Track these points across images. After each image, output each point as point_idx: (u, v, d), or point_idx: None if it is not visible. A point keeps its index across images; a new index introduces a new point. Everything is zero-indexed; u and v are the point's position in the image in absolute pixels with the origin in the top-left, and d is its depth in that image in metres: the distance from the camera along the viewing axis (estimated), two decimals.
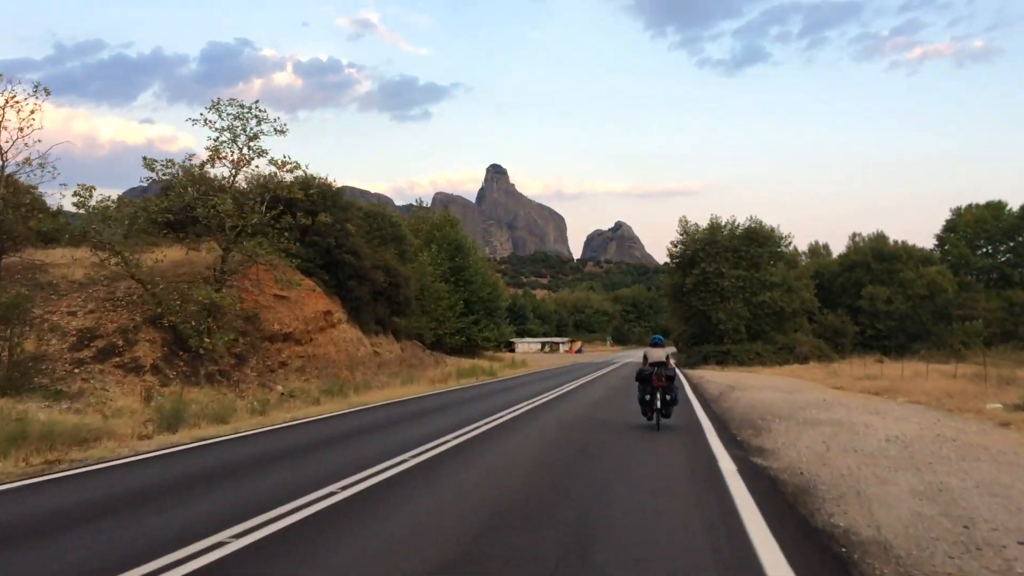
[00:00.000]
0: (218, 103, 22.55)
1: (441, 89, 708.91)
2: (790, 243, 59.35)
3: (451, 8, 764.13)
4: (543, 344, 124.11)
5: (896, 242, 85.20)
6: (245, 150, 23.21)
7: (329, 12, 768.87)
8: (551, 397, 25.57)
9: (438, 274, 58.93)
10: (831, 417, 18.29)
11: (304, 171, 28.14)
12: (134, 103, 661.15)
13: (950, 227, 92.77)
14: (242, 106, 22.72)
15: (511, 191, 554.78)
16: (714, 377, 42.03)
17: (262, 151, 23.85)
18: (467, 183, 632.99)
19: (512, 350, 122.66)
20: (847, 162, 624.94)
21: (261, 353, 25.01)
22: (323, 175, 34.87)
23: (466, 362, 51.60)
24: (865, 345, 68.99)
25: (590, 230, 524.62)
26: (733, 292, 56.39)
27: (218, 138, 22.69)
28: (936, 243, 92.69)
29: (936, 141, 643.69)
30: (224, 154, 22.78)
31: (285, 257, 25.36)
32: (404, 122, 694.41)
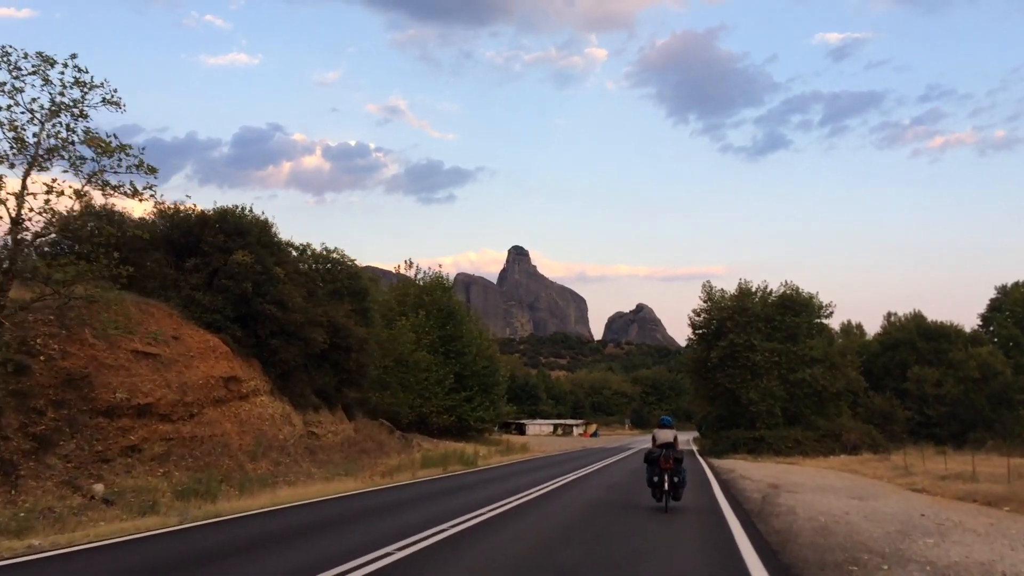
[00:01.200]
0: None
1: (466, 173, 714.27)
2: (831, 312, 50.75)
3: (477, 96, 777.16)
4: (555, 426, 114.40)
5: (937, 322, 75.98)
6: (60, 130, 15.35)
7: (358, 100, 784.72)
8: (521, 501, 16.95)
9: (426, 343, 50.68)
10: (968, 556, 9.77)
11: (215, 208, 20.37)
12: (167, 184, 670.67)
13: (995, 306, 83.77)
14: (44, 58, 14.93)
15: (533, 272, 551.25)
16: (749, 471, 33.03)
17: (101, 142, 16.05)
18: (490, 265, 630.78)
19: (522, 432, 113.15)
20: (873, 246, 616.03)
21: (86, 433, 16.69)
22: (244, 207, 27.13)
23: (448, 446, 42.76)
24: (913, 433, 59.46)
25: (611, 312, 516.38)
26: (766, 368, 47.55)
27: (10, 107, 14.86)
28: (980, 323, 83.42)
29: (965, 225, 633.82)
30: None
31: (139, 294, 17.30)
32: (429, 204, 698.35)
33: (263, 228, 27.16)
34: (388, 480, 23.74)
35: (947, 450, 51.37)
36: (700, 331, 51.39)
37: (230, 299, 24.44)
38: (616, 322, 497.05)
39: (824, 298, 50.78)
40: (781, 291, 50.15)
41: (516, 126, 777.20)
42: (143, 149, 15.79)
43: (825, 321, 50.72)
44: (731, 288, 50.91)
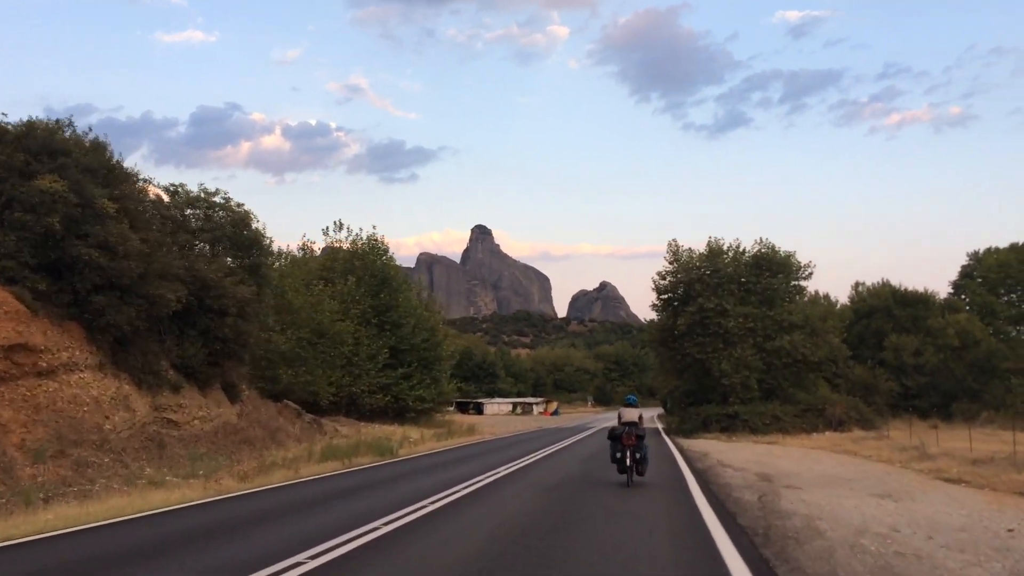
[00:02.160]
0: None
1: (428, 152, 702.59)
2: (810, 273, 44.89)
3: (440, 74, 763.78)
4: (515, 405, 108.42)
5: (912, 289, 70.77)
6: None
7: (319, 78, 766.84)
8: (415, 516, 10.42)
9: (355, 314, 43.93)
10: None
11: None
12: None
13: (967, 273, 79.10)
14: None
15: (496, 251, 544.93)
16: (726, 455, 27.01)
17: None
18: (453, 244, 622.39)
19: (480, 412, 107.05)
20: (834, 221, 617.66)
21: None
22: (65, 122, 20.19)
23: (373, 431, 36.25)
24: (893, 406, 54.28)
25: (575, 291, 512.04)
26: (740, 336, 41.60)
27: None
28: (952, 291, 78.66)
29: (924, 199, 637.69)
30: None
31: None
32: (391, 184, 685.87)
33: (95, 151, 20.22)
34: (248, 484, 17.15)
35: (938, 424, 46.13)
36: (665, 296, 45.25)
37: (29, 240, 17.58)
38: (580, 300, 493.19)
39: (801, 258, 44.79)
40: (756, 250, 44.16)
41: (479, 105, 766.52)
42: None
43: (803, 283, 44.95)
44: (700, 247, 44.89)
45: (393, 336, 45.79)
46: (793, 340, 41.34)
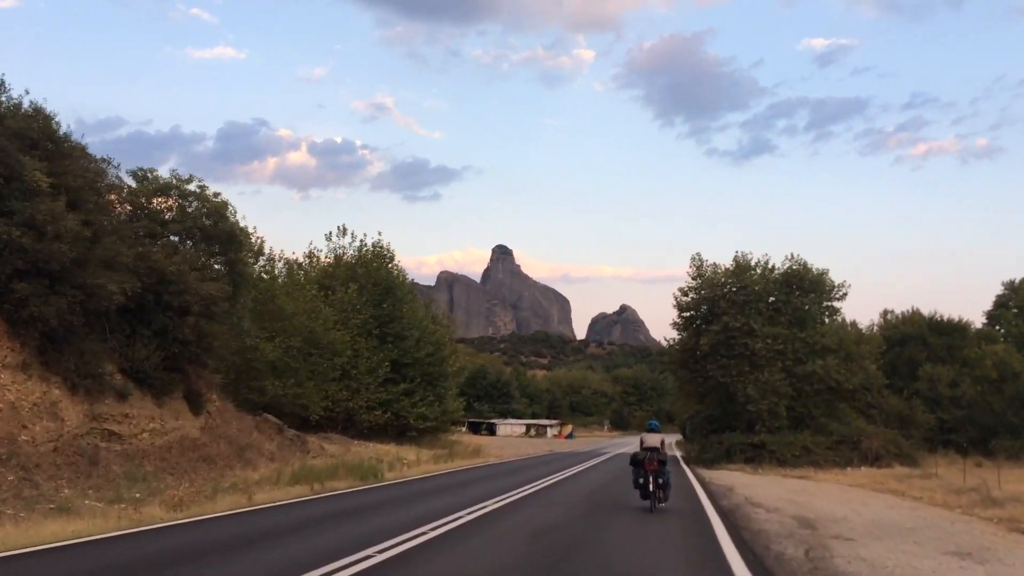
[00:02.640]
0: None
1: (452, 171, 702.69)
2: (844, 293, 41.41)
3: (465, 94, 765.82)
4: (528, 427, 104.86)
5: (946, 317, 66.64)
6: None
7: (345, 96, 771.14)
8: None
9: (356, 324, 41.01)
10: None
11: None
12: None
13: (1002, 302, 74.98)
14: None
15: (516, 272, 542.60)
16: (755, 491, 23.63)
17: None
18: (474, 264, 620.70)
19: (492, 432, 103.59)
20: (858, 250, 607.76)
21: None
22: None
23: (366, 450, 33.22)
24: (927, 440, 50.39)
25: (595, 313, 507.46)
26: (768, 358, 38.16)
27: None
28: (986, 321, 74.37)
29: (949, 229, 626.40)
30: None
31: None
32: (414, 203, 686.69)
33: (32, 119, 17.44)
34: (179, 514, 14.09)
35: (982, 461, 42.29)
36: (687, 314, 41.91)
37: None
38: (599, 323, 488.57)
39: (835, 277, 41.20)
40: (786, 267, 40.77)
41: (503, 125, 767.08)
42: None
43: (837, 304, 41.39)
44: (726, 263, 41.55)
45: (395, 349, 42.79)
46: (826, 365, 37.83)
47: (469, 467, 33.39)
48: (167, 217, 23.24)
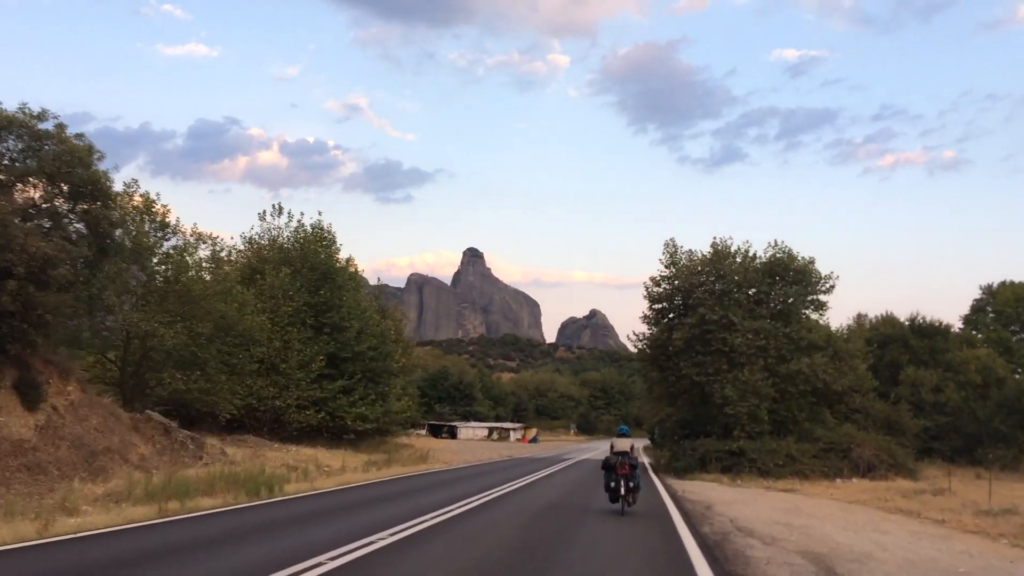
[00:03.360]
0: None
1: (425, 174, 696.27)
2: (832, 286, 37.19)
3: (439, 97, 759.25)
4: (491, 430, 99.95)
5: (924, 320, 62.83)
6: None
7: (318, 96, 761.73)
8: None
9: (287, 312, 36.03)
10: None
11: None
12: (117, 175, 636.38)
13: (979, 307, 71.82)
14: None
15: (487, 275, 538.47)
16: (739, 510, 19.09)
17: None
18: (446, 267, 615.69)
19: (454, 435, 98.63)
20: (828, 259, 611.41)
21: None
22: None
23: (280, 454, 28.30)
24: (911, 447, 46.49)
25: (565, 317, 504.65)
26: (749, 355, 33.77)
27: None
28: (962, 325, 70.98)
29: (918, 240, 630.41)
30: None
31: None
32: (387, 204, 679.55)
33: None
34: None
35: (982, 472, 38.24)
36: (659, 306, 37.42)
37: None
38: (569, 327, 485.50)
39: (821, 268, 36.85)
40: (769, 255, 36.45)
41: (477, 129, 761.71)
42: None
43: (823, 298, 37.11)
44: (703, 248, 37.06)
45: (332, 341, 37.79)
46: (813, 363, 33.51)
47: (406, 476, 28.57)
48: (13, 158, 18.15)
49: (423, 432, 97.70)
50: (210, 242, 30.57)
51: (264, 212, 40.12)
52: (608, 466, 17.17)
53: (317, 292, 38.11)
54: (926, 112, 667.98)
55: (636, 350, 37.90)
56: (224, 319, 28.41)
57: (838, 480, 31.18)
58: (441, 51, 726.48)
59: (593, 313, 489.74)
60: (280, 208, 40.17)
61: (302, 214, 40.13)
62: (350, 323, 38.28)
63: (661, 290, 37.25)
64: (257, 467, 22.03)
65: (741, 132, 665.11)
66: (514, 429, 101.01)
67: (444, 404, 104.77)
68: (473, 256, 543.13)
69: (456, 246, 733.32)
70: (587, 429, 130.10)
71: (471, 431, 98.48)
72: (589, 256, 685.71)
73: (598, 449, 70.20)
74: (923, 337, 59.71)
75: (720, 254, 36.07)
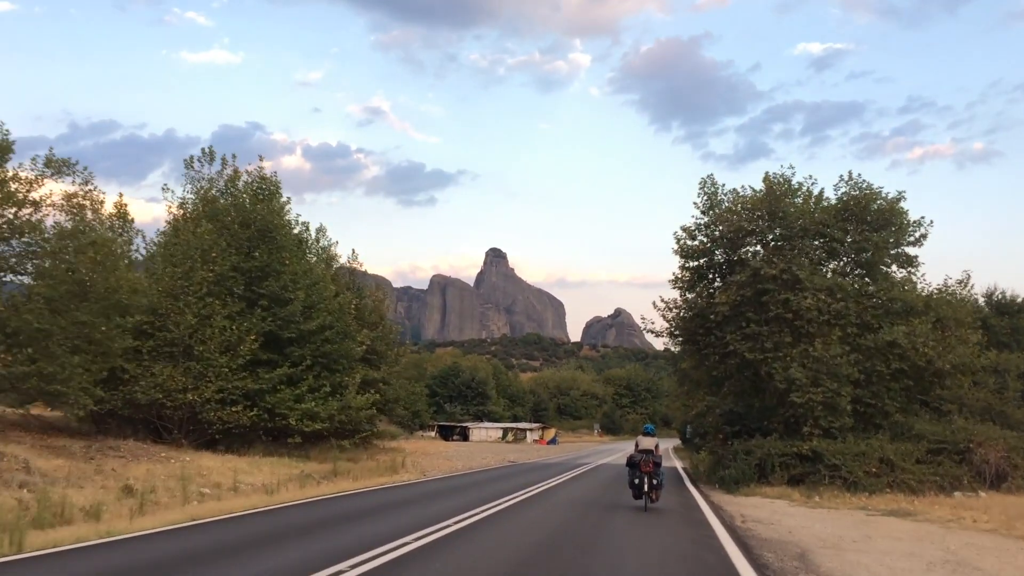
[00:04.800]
0: None
1: (448, 176, 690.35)
2: (923, 235, 27.52)
3: (461, 98, 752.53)
4: (505, 431, 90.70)
5: (1004, 295, 52.54)
6: None
7: (340, 100, 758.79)
8: None
9: (209, 279, 27.24)
10: None
11: None
12: (143, 182, 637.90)
13: None
14: None
15: (510, 275, 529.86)
16: (872, 566, 9.86)
17: None
18: (469, 268, 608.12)
19: (465, 437, 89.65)
20: None
21: None
22: None
23: (173, 464, 19.42)
24: None
25: (590, 317, 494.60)
26: (821, 324, 24.36)
27: None
28: None
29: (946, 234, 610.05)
30: None
31: None
32: (410, 207, 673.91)
33: None
34: None
35: None
36: (695, 263, 27.95)
37: None
38: (594, 327, 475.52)
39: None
40: (842, 191, 26.87)
41: (499, 130, 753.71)
42: None
43: (912, 251, 27.45)
44: (751, 184, 27.48)
45: (270, 318, 28.85)
46: (913, 332, 23.95)
47: (343, 495, 19.54)
48: None
49: (432, 434, 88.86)
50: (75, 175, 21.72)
51: (192, 158, 31.29)
52: (632, 463, 17.49)
53: (250, 254, 29.21)
54: (954, 103, 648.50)
55: (665, 323, 28.40)
56: (75, 274, 19.52)
57: (957, 494, 21.65)
58: (462, 52, 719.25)
59: (618, 312, 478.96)
60: (211, 153, 31.28)
61: (234, 156, 31.12)
62: (294, 293, 29.28)
63: (697, 243, 27.77)
64: (74, 487, 13.10)
65: (766, 128, 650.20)
66: (531, 430, 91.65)
67: (455, 403, 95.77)
68: (496, 257, 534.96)
69: (479, 247, 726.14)
70: (612, 429, 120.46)
71: (484, 432, 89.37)
72: (613, 255, 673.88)
73: (621, 451, 60.72)
74: (1002, 315, 49.57)
75: (776, 193, 26.51)
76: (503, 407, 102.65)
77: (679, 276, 28.31)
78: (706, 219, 27.70)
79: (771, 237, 26.29)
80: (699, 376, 30.64)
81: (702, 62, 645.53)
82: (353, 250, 43.13)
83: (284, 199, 32.26)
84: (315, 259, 36.13)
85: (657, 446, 17.61)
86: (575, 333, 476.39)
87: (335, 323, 30.88)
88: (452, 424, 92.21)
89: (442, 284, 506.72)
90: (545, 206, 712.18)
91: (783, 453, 23.44)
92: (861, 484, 21.88)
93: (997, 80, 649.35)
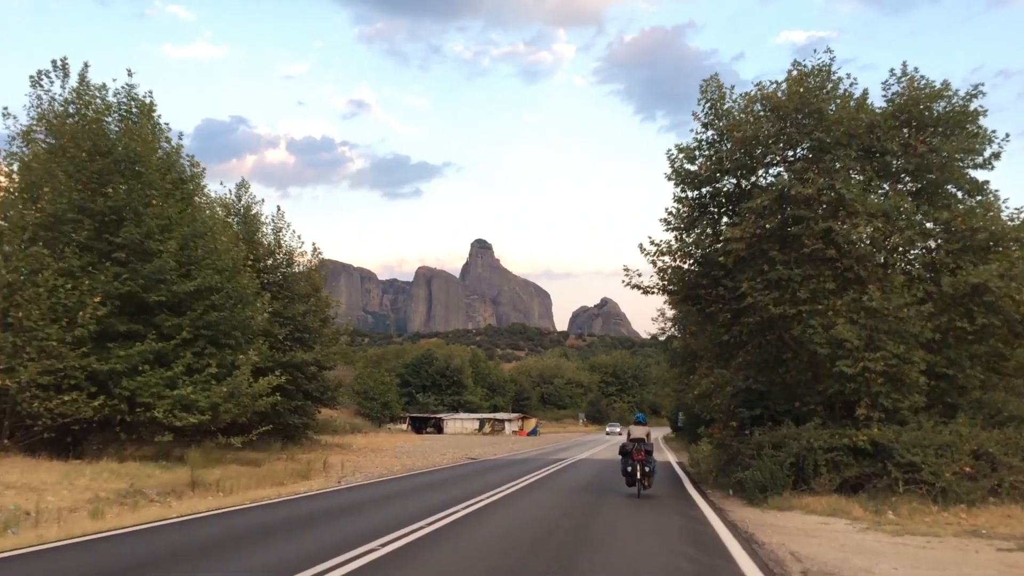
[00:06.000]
0: None
1: (433, 168, 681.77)
2: (997, 152, 20.35)
3: (445, 90, 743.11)
4: (481, 423, 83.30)
5: None
6: None
7: (325, 92, 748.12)
8: None
9: (29, 221, 19.63)
10: None
11: None
12: None
13: None
14: None
15: (496, 266, 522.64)
16: None
17: None
18: (455, 260, 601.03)
19: (440, 430, 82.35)
20: None
21: None
22: None
23: None
24: None
25: (576, 307, 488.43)
26: (875, 268, 17.12)
27: None
28: None
29: None
30: None
31: None
32: (395, 199, 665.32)
33: None
34: None
35: None
36: (695, 193, 20.46)
37: None
38: (580, 316, 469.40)
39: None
40: (893, 91, 19.48)
41: (484, 121, 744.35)
42: None
43: (981, 175, 20.18)
44: (774, 78, 20.04)
45: (129, 274, 21.24)
46: (1010, 272, 16.64)
47: (170, 522, 12.00)
48: None
49: (404, 427, 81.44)
50: None
51: (39, 74, 23.45)
52: (625, 452, 17.40)
53: (101, 191, 21.56)
54: None
55: (656, 274, 20.82)
56: None
57: None
58: (447, 44, 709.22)
59: (604, 302, 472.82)
60: (64, 65, 23.46)
61: (87, 65, 23.35)
62: (164, 243, 21.65)
63: (699, 164, 20.29)
64: None
65: None
66: (510, 421, 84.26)
67: (429, 394, 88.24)
68: (482, 248, 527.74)
69: (465, 239, 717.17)
70: (598, 418, 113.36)
71: (459, 424, 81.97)
72: (600, 246, 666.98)
73: (604, 444, 53.40)
74: None
75: (808, 86, 18.99)
76: (481, 397, 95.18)
77: (674, 211, 20.84)
78: (709, 134, 20.26)
79: (800, 150, 18.90)
80: (701, 346, 23.21)
81: (687, 51, 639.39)
82: (279, 207, 35.37)
83: (164, 125, 24.58)
84: (222, 213, 28.56)
85: (648, 434, 17.54)
86: (562, 323, 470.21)
87: (224, 285, 23.24)
88: (426, 416, 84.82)
89: (428, 276, 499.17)
90: (531, 197, 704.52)
91: (830, 447, 16.09)
92: (951, 491, 14.58)
93: (978, 66, 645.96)
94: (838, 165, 17.84)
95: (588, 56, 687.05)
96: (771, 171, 19.61)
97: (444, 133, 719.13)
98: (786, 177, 17.90)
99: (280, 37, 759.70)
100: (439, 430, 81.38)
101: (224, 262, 23.57)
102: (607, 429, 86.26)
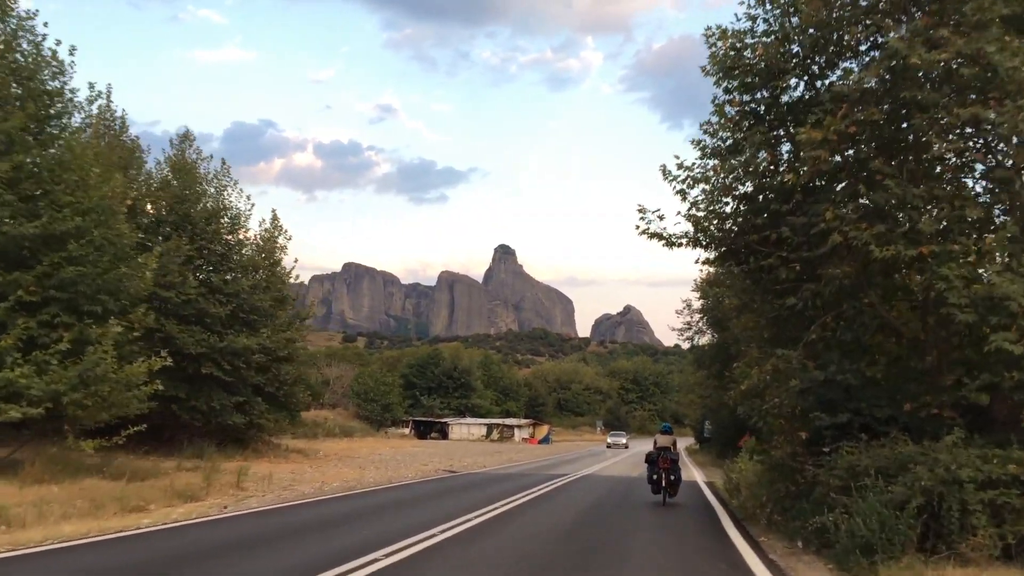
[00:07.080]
0: None
1: (459, 173, 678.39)
2: None
3: (472, 96, 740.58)
4: (489, 428, 76.50)
5: None
6: None
7: (352, 98, 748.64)
8: None
9: None
10: None
11: None
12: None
13: None
14: None
15: (519, 272, 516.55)
16: None
17: None
18: (478, 266, 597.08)
19: (444, 435, 75.74)
20: None
21: None
22: None
23: None
24: None
25: (599, 314, 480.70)
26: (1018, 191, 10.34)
27: None
28: None
29: None
30: None
31: None
32: (420, 204, 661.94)
33: None
34: None
35: None
36: (747, 98, 13.78)
37: None
38: (603, 323, 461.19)
39: None
40: None
41: (510, 128, 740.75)
42: None
43: None
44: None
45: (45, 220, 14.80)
46: None
47: None
48: None
49: (407, 431, 74.95)
50: None
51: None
52: (651, 460, 17.50)
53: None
54: None
55: (685, 212, 13.97)
56: None
57: None
58: (474, 50, 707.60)
59: (627, 309, 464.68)
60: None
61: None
62: (47, 169, 15.20)
63: (745, 61, 13.46)
64: None
65: None
66: (520, 427, 77.38)
67: (434, 396, 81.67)
68: (504, 253, 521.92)
69: (488, 245, 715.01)
70: (616, 426, 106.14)
71: (465, 429, 75.27)
72: (624, 254, 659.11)
73: (617, 459, 46.40)
74: None
75: None
76: (491, 401, 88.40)
77: (717, 122, 14.03)
78: (765, 10, 13.45)
79: (917, 13, 12.04)
80: (747, 325, 16.27)
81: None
82: (224, 160, 28.82)
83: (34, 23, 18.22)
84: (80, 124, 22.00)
85: (675, 443, 17.73)
86: (584, 330, 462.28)
87: (91, 231, 16.75)
88: (431, 420, 78.25)
89: (450, 281, 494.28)
90: (555, 204, 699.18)
91: (988, 479, 9.18)
92: None
93: None
94: (984, 19, 10.92)
95: (615, 64, 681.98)
96: (867, 57, 12.77)
97: (470, 139, 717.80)
98: (902, 41, 10.98)
99: (309, 42, 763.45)
100: (444, 435, 74.80)
101: (91, 200, 17.07)
102: (608, 439, 70.59)
